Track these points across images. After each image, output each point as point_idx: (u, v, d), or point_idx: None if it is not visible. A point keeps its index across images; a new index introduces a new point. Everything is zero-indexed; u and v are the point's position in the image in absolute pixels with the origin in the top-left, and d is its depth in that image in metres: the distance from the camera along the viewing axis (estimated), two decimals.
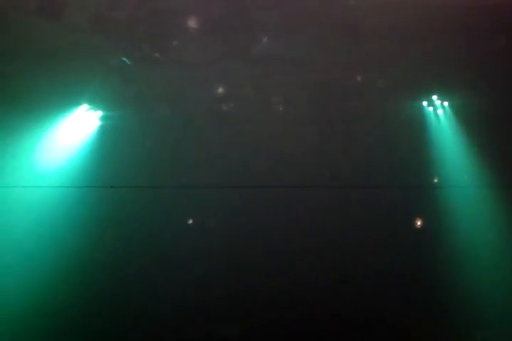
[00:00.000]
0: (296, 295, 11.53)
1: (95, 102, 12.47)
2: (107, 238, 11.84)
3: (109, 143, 12.27)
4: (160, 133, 12.22)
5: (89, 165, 12.09)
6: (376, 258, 11.58)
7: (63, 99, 11.99)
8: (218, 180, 11.76)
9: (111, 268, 11.58)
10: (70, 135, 12.48)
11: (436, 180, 12.30)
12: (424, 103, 12.43)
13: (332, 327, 11.35)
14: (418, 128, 12.24)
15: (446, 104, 12.40)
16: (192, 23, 11.27)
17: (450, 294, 11.41)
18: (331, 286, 11.57)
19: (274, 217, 11.85)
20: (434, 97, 12.40)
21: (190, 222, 12.00)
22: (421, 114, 12.37)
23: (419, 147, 12.13)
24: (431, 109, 12.45)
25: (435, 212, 11.91)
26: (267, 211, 11.89)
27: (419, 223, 12.14)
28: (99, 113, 12.63)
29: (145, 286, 11.63)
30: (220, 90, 12.08)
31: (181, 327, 11.38)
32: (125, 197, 11.77)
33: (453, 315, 11.26)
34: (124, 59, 11.72)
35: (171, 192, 11.74)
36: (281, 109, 12.19)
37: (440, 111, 12.43)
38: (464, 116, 12.18)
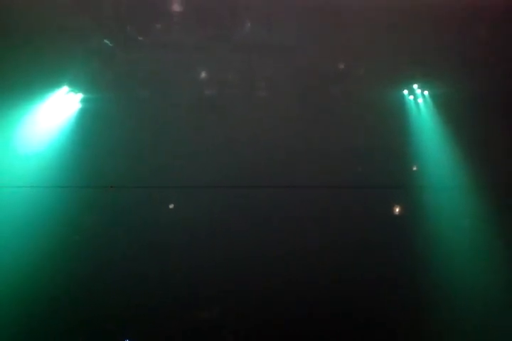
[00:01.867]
0: (293, 295, 11.55)
1: (76, 84, 12.29)
2: (105, 237, 11.79)
3: (90, 128, 12.13)
4: (141, 118, 12.11)
5: (74, 159, 11.97)
6: (367, 259, 11.65)
7: (43, 80, 11.82)
8: (211, 179, 11.79)
9: (111, 267, 11.56)
10: (51, 118, 12.30)
11: (415, 175, 12.36)
12: (405, 92, 12.54)
13: (330, 327, 11.40)
14: (398, 117, 12.29)
15: (426, 93, 12.49)
16: (177, 6, 11.25)
17: (448, 294, 11.46)
18: (329, 286, 11.57)
19: (270, 216, 11.88)
20: (415, 86, 12.50)
21: (190, 221, 11.91)
22: (401, 102, 12.46)
23: (397, 136, 12.17)
24: (411, 97, 12.55)
25: (416, 211, 12.03)
26: (263, 211, 11.91)
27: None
28: (80, 95, 12.43)
29: (143, 286, 11.61)
30: (204, 75, 12.02)
31: (173, 324, 11.46)
32: (125, 197, 11.80)
33: (452, 314, 11.33)
34: (106, 41, 11.60)
35: (168, 191, 11.83)
36: (264, 95, 12.18)
37: (420, 100, 12.54)
38: (445, 106, 12.26)
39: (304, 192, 11.62)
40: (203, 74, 12.03)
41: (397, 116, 12.27)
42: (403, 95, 12.52)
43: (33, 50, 11.38)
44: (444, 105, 12.29)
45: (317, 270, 11.51)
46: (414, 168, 12.32)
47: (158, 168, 11.90)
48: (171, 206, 11.99)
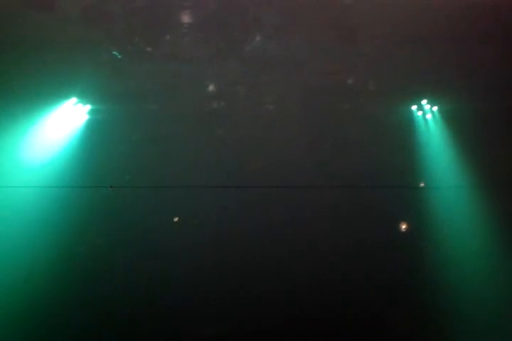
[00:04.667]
0: (293, 295, 11.63)
1: (84, 96, 12.31)
2: (105, 237, 11.88)
3: (98, 138, 12.20)
4: (150, 130, 12.21)
5: (78, 162, 12.03)
6: (365, 259, 11.73)
7: (52, 91, 11.86)
8: (212, 180, 11.82)
9: (111, 267, 11.62)
10: (59, 129, 12.34)
11: (423, 182, 12.48)
12: (414, 107, 12.60)
13: (331, 328, 11.48)
14: (407, 132, 12.40)
15: (435, 108, 12.57)
16: (187, 18, 11.16)
17: (444, 295, 11.52)
18: (328, 286, 11.65)
19: (271, 217, 11.98)
20: (424, 102, 12.57)
21: (190, 221, 12.07)
22: (410, 118, 12.56)
23: (407, 150, 12.30)
24: (420, 113, 12.62)
25: (422, 213, 12.10)
26: (264, 211, 11.99)
27: (406, 224, 12.33)
28: (88, 107, 12.45)
29: (142, 285, 11.66)
30: (212, 88, 12.05)
31: (169, 327, 11.46)
32: (124, 197, 11.85)
33: (449, 315, 11.41)
34: (115, 53, 11.56)
35: (168, 191, 11.83)
36: (273, 109, 12.26)
37: (429, 116, 12.61)
38: (453, 122, 12.36)
39: (295, 192, 11.76)
40: (211, 87, 12.05)
41: (406, 131, 12.38)
42: (412, 111, 12.62)
43: (42, 62, 11.39)
44: (452, 121, 12.39)
45: (317, 270, 11.59)
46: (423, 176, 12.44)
47: (158, 168, 11.97)
48: (171, 206, 12.02)
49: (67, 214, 11.70)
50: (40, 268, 11.31)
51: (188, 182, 11.75)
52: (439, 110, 12.54)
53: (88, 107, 12.43)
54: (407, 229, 12.25)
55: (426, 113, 12.61)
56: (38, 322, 11.17)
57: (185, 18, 11.20)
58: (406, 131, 12.36)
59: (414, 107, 12.59)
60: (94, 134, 12.17)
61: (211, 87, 12.05)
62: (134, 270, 11.59)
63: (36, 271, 11.30)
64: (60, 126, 12.32)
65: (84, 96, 12.30)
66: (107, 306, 11.35)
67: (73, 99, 12.34)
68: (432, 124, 12.55)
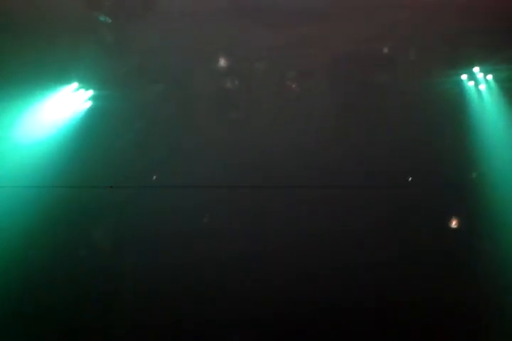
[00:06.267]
0: (292, 295, 11.32)
1: (86, 81, 11.90)
2: (105, 237, 11.80)
3: (92, 127, 11.93)
4: (154, 116, 11.86)
5: (71, 154, 11.83)
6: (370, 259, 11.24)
7: (52, 77, 11.59)
8: (212, 179, 11.64)
9: (111, 267, 11.52)
10: (55, 117, 12.00)
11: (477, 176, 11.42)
12: (464, 77, 11.51)
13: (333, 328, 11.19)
14: (455, 107, 11.37)
15: (489, 77, 11.43)
16: None
17: (458, 297, 10.94)
18: (327, 287, 11.29)
19: (271, 217, 11.66)
20: (476, 70, 11.43)
21: (190, 221, 11.79)
22: (459, 89, 11.52)
23: (457, 132, 11.31)
24: (472, 83, 11.50)
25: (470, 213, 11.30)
26: (265, 211, 11.68)
27: (448, 224, 11.49)
28: (90, 92, 11.99)
29: (142, 285, 11.54)
30: (223, 65, 11.40)
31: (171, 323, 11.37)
32: (125, 197, 11.80)
33: (456, 317, 10.86)
34: (103, 17, 11.01)
35: (169, 191, 11.73)
36: (297, 84, 11.51)
37: (483, 87, 11.49)
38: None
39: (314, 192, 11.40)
40: (222, 65, 11.44)
41: (455, 107, 11.41)
42: (461, 81, 11.51)
43: (41, 45, 11.16)
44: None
45: (318, 270, 11.35)
46: (478, 167, 11.32)
47: (158, 168, 11.89)
48: (172, 206, 11.80)
49: (67, 213, 11.70)
50: (40, 268, 11.35)
51: (189, 181, 11.63)
52: (495, 79, 11.41)
53: (90, 92, 12.04)
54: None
55: (479, 83, 11.52)
56: (35, 323, 11.17)
57: None
58: (455, 106, 11.37)
59: (464, 77, 11.50)
60: (90, 122, 11.99)
61: (221, 64, 11.37)
62: (134, 269, 11.59)
63: (36, 271, 11.33)
64: (57, 114, 12.03)
65: (85, 81, 11.95)
66: (105, 305, 11.40)
67: (74, 84, 11.97)
68: (486, 97, 11.50)
